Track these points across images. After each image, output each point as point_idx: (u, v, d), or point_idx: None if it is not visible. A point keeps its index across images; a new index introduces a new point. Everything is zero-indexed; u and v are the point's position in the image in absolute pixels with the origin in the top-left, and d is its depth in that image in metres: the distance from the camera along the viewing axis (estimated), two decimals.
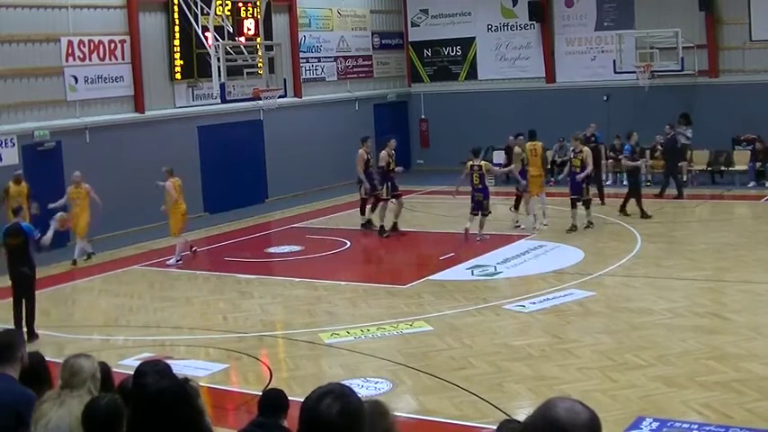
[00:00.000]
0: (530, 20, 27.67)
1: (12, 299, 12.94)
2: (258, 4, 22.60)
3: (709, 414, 8.94)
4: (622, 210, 19.99)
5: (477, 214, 18.10)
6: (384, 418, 3.76)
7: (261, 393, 6.64)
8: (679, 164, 22.54)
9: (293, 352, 11.89)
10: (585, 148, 19.00)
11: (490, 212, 18.40)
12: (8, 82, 18.88)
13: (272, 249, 18.97)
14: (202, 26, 21.40)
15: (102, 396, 4.81)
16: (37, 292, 13.38)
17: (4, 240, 12.86)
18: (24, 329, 12.17)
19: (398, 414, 6.05)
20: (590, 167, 18.76)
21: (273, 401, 5.81)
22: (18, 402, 5.23)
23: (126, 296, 15.35)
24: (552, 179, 23.32)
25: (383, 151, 19.42)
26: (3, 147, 18.54)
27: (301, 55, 25.99)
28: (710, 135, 23.89)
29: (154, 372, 4.06)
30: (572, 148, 19.31)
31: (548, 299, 13.63)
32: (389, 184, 19.39)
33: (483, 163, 18.40)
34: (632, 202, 19.78)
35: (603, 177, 22.94)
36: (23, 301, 12.81)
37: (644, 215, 19.56)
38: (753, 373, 10.07)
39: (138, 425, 3.96)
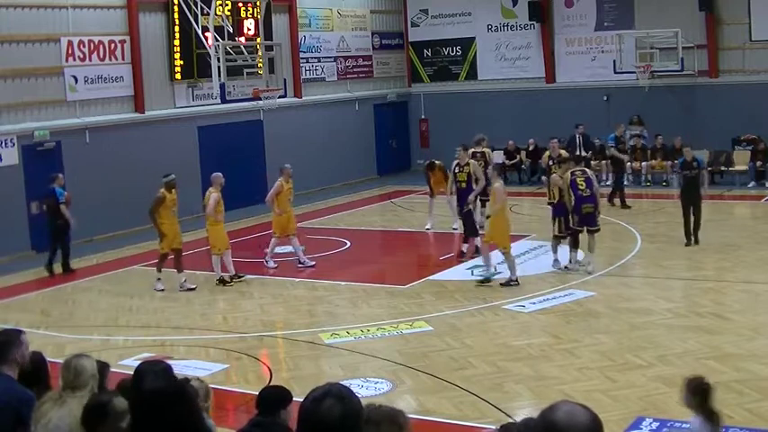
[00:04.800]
0: (530, 20, 27.65)
1: (50, 246, 16.88)
2: (258, 4, 22.59)
3: None
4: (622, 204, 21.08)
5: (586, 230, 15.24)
6: (405, 420, 3.78)
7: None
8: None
9: (293, 352, 11.90)
10: (472, 162, 16.86)
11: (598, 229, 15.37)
12: (8, 82, 18.88)
13: None
14: (202, 26, 21.38)
15: (106, 393, 4.85)
16: (37, 293, 15.82)
17: (43, 201, 17.09)
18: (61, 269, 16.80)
19: None
20: (481, 182, 16.58)
21: (269, 399, 5.79)
22: (18, 402, 5.23)
23: (126, 296, 15.35)
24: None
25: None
26: (3, 147, 18.54)
27: (301, 55, 25.99)
28: (710, 135, 23.88)
29: (152, 372, 4.07)
30: (457, 161, 16.82)
31: (548, 299, 13.65)
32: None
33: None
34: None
35: (603, 177, 22.90)
36: (59, 246, 16.80)
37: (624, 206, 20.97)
38: (753, 373, 10.08)
39: (136, 425, 3.98)
